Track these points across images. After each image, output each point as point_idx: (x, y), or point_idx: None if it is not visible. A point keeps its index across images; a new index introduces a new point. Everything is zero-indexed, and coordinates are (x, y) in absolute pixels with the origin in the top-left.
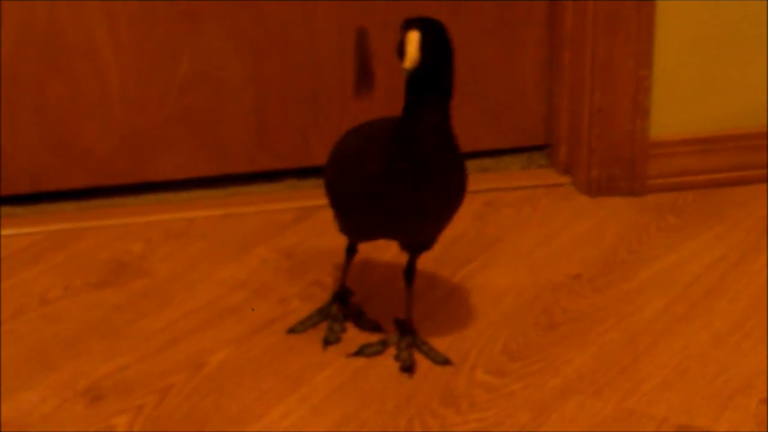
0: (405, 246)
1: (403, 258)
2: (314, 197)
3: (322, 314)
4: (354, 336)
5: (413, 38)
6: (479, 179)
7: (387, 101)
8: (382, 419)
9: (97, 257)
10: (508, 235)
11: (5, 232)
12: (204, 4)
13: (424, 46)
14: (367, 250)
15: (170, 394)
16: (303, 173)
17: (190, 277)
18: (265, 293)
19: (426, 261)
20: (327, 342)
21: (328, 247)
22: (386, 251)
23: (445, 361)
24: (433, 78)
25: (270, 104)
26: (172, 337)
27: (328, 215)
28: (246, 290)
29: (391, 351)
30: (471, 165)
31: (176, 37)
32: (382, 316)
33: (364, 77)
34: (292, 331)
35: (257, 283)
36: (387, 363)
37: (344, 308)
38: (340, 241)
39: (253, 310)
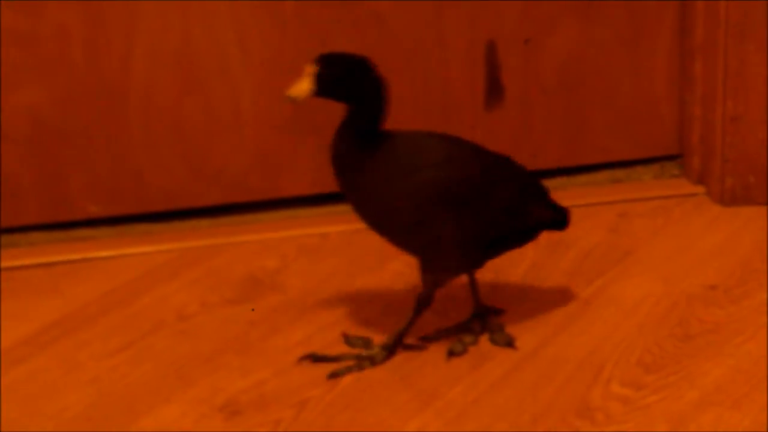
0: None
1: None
2: None
3: (468, 330)
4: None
5: (306, 71)
6: (611, 190)
7: (518, 114)
8: None
9: (232, 273)
10: (641, 246)
11: (143, 249)
12: (333, 23)
13: (319, 79)
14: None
15: (307, 409)
16: None
17: (324, 292)
18: (399, 307)
19: (559, 273)
20: (451, 353)
21: None
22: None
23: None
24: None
25: (400, 120)
26: (307, 351)
27: None
28: (380, 305)
29: (525, 363)
30: (603, 176)
31: (306, 56)
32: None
33: (494, 91)
34: (451, 353)
35: (390, 298)
36: (522, 377)
37: (482, 323)
38: None
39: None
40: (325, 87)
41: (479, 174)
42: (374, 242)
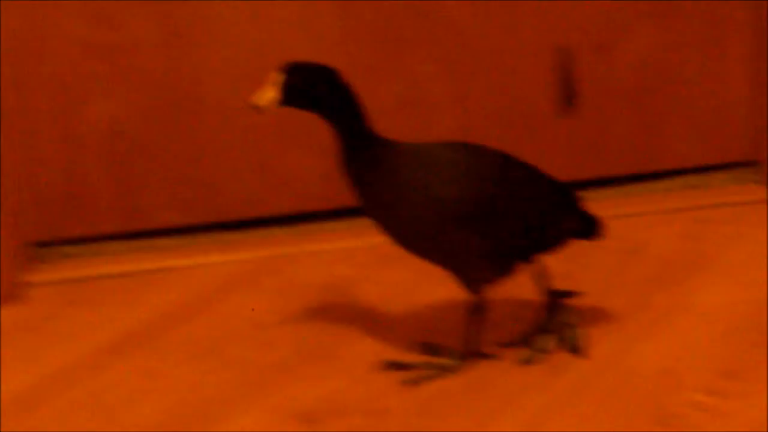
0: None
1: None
2: None
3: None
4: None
5: (270, 79)
6: (687, 196)
7: (592, 120)
8: None
9: (308, 282)
10: (719, 253)
11: (220, 258)
12: (408, 29)
13: (286, 88)
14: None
15: (384, 417)
16: None
17: (402, 301)
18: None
19: (636, 281)
20: (526, 361)
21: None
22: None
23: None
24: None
25: (475, 125)
26: (384, 360)
27: None
28: (458, 313)
29: (602, 371)
30: (678, 182)
31: (382, 61)
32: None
33: (568, 96)
34: (526, 362)
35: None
36: (600, 385)
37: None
38: (548, 263)
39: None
40: (291, 96)
41: (498, 188)
42: None
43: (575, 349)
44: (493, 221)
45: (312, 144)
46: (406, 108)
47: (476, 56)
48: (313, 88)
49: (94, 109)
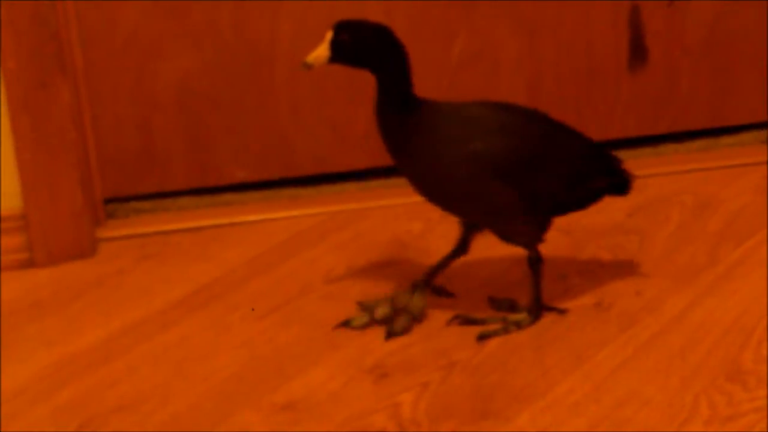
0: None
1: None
2: None
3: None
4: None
5: (325, 37)
6: (759, 151)
7: (662, 76)
8: (667, 396)
9: (378, 237)
10: None
11: (290, 213)
12: None
13: (335, 46)
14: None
15: (454, 371)
16: None
17: (469, 256)
18: (545, 269)
19: (707, 235)
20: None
21: (604, 224)
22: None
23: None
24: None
25: (544, 81)
26: (454, 314)
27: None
28: (523, 267)
29: (673, 326)
30: (749, 136)
31: (452, 17)
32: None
33: (638, 53)
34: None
35: None
36: (670, 340)
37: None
38: (618, 218)
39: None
40: (340, 53)
41: (532, 144)
42: None
43: (392, 334)
44: (528, 175)
45: None
46: (476, 65)
47: (546, 12)
48: (359, 44)
49: (166, 66)
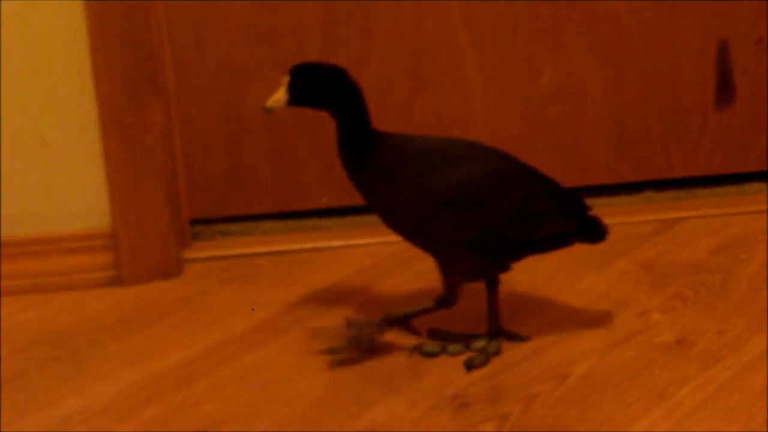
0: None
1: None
2: (673, 209)
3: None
4: None
5: (282, 81)
6: None
7: (749, 114)
8: None
9: None
10: None
11: (372, 240)
12: (566, 19)
13: (292, 89)
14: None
15: (535, 404)
16: (662, 185)
17: (552, 288)
18: (626, 305)
19: None
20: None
21: (687, 260)
22: None
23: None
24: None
25: (630, 116)
26: (535, 346)
27: (687, 227)
28: (606, 302)
29: (756, 364)
30: None
31: (538, 52)
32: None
33: (725, 89)
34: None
35: (617, 295)
36: (753, 379)
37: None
38: (701, 255)
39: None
40: (297, 97)
41: (482, 180)
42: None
43: (471, 367)
44: (474, 212)
45: (465, 130)
46: (562, 99)
47: (632, 46)
48: (315, 87)
49: (255, 89)
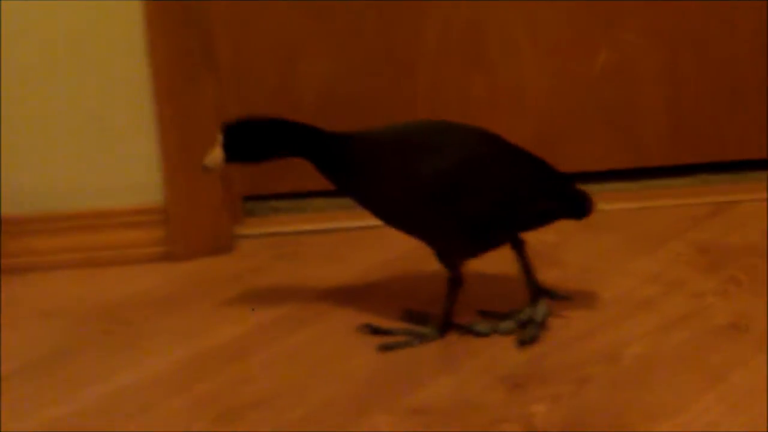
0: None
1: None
2: (728, 192)
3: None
4: None
5: (216, 139)
6: None
7: None
8: None
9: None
10: None
11: None
12: (620, 4)
13: (226, 149)
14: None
15: (588, 385)
16: (717, 167)
17: (603, 269)
18: (679, 287)
19: None
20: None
21: (742, 243)
22: None
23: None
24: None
25: (685, 98)
26: (587, 328)
27: (742, 210)
28: (659, 284)
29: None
30: None
31: (593, 32)
32: None
33: None
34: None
35: (670, 277)
36: None
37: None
38: (755, 239)
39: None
40: (233, 155)
41: (466, 164)
42: (654, 221)
43: (523, 343)
44: (462, 196)
45: (520, 115)
46: (616, 78)
47: (688, 26)
48: (249, 144)
49: (308, 67)
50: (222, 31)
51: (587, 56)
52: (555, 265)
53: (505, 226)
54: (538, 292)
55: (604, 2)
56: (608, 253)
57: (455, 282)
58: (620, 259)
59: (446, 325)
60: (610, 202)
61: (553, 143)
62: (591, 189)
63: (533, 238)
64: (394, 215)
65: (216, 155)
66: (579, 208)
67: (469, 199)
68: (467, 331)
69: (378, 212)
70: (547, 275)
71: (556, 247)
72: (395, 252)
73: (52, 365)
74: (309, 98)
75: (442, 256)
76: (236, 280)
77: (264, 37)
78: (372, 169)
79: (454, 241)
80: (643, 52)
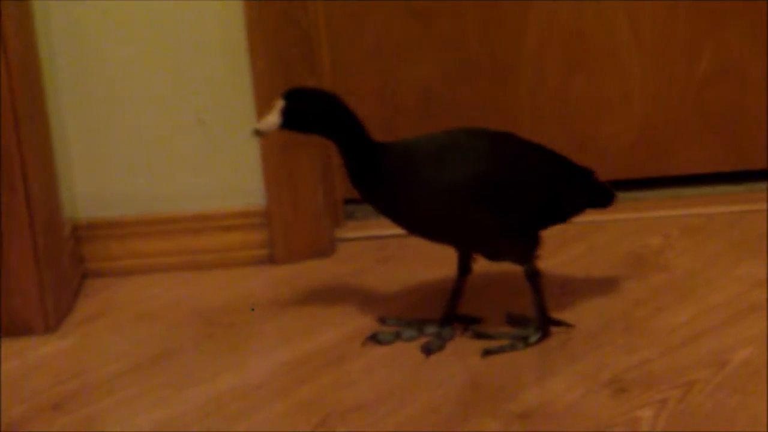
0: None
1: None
2: None
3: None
4: None
5: (274, 105)
6: None
7: None
8: None
9: (615, 250)
10: None
11: None
12: (726, 2)
13: (285, 113)
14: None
15: (694, 390)
16: None
17: (709, 273)
18: None
19: None
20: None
21: None
22: None
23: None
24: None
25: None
26: (693, 332)
27: None
28: (765, 289)
29: None
30: None
31: (698, 35)
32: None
33: None
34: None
35: None
36: None
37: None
38: None
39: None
40: (291, 121)
41: (504, 166)
42: (759, 225)
43: (428, 351)
44: (504, 198)
45: (624, 115)
46: (721, 82)
47: None
48: (310, 112)
49: (410, 71)
50: (323, 35)
51: (691, 59)
52: (662, 269)
53: (547, 219)
54: (452, 318)
55: (708, 5)
56: (714, 258)
57: (533, 276)
58: (726, 263)
59: (545, 324)
60: (715, 205)
61: (658, 146)
62: (695, 193)
63: (638, 242)
64: (432, 222)
65: (271, 120)
66: (605, 198)
67: (511, 197)
68: (372, 339)
69: (409, 221)
70: (654, 280)
71: (662, 252)
72: None
73: (155, 368)
74: (410, 101)
75: (494, 257)
76: (337, 284)
77: (365, 41)
78: (406, 177)
79: (501, 240)
80: (748, 54)
